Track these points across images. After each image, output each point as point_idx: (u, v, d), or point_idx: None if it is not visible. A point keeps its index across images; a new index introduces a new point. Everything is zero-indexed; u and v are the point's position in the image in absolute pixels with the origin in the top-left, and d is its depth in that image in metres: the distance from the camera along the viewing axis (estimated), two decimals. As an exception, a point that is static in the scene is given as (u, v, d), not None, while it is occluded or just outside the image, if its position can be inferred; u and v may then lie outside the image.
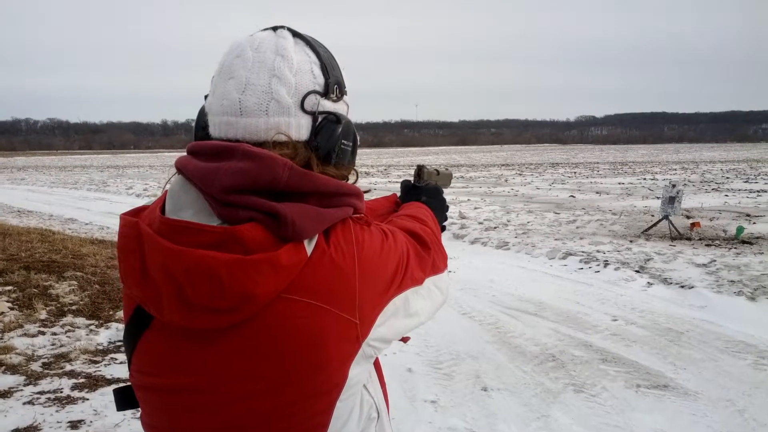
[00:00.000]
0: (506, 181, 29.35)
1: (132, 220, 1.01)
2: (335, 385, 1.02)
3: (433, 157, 78.74)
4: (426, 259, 1.23)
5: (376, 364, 1.28)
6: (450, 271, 9.30)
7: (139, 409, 1.13)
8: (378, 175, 35.76)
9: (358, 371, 1.06)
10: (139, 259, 0.98)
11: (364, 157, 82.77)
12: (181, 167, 1.03)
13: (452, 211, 15.62)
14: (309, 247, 0.98)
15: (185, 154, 1.07)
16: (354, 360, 1.03)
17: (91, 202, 22.34)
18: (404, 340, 1.46)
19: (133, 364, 1.07)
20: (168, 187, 1.08)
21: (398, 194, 1.64)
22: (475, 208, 16.82)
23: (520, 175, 34.10)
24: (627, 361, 5.38)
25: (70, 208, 20.44)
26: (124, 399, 1.16)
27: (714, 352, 5.55)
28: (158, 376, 1.03)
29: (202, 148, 1.03)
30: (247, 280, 0.92)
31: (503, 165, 47.84)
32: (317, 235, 1.00)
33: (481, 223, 13.83)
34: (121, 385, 1.18)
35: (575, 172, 35.46)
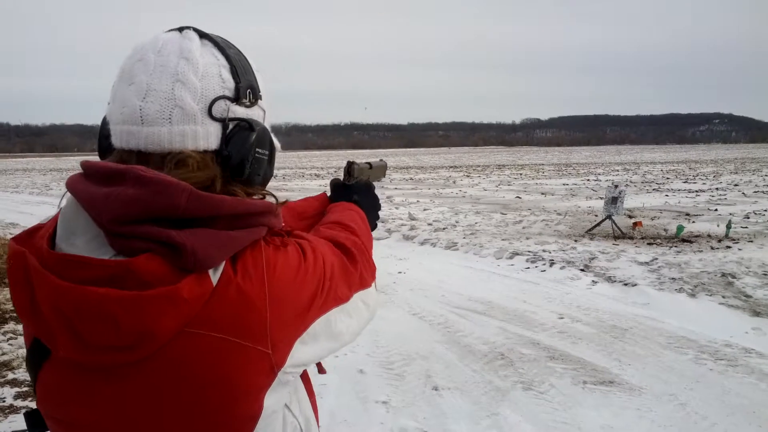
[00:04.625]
0: (454, 182, 29.58)
1: (19, 250, 0.92)
2: (250, 418, 0.96)
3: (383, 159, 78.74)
4: (353, 273, 1.16)
5: (304, 377, 1.21)
6: (400, 272, 9.30)
7: None
8: (327, 177, 35.62)
9: (276, 399, 1.00)
10: (29, 294, 0.90)
11: (314, 159, 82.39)
12: (71, 189, 0.94)
13: (402, 213, 15.67)
14: (214, 276, 0.90)
15: (80, 170, 0.98)
16: (270, 389, 0.97)
17: (33, 206, 21.58)
18: (321, 371, 1.37)
19: (37, 393, 0.99)
20: (63, 204, 0.99)
21: (328, 193, 1.55)
22: (425, 210, 16.91)
23: (468, 176, 34.41)
24: (573, 358, 5.48)
25: (12, 212, 19.73)
26: (34, 423, 1.05)
27: (657, 348, 5.70)
28: (61, 407, 0.96)
29: (93, 170, 0.94)
30: (145, 317, 0.85)
31: (451, 167, 48.20)
32: (224, 263, 0.92)
33: (430, 224, 13.91)
34: (32, 408, 1.07)
35: (521, 174, 35.95)
